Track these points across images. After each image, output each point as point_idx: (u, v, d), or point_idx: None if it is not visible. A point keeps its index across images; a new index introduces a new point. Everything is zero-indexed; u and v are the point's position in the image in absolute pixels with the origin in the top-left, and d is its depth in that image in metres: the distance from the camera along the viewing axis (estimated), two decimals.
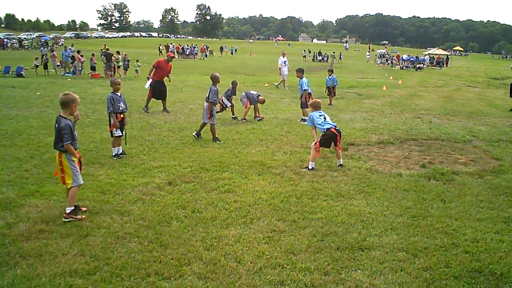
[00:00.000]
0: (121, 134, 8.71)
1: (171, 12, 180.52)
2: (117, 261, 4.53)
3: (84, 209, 5.77)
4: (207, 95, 10.48)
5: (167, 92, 15.17)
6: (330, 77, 17.58)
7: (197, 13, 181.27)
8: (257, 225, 5.53)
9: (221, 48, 74.40)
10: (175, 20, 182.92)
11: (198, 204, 6.23)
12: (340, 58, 59.86)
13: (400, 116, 15.03)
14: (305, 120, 11.48)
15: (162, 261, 4.55)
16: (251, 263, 4.54)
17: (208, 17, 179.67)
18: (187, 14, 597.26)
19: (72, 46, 37.36)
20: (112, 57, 28.69)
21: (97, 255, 4.64)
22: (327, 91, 17.87)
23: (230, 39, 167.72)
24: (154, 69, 14.81)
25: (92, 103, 15.52)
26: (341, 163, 8.40)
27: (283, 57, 24.01)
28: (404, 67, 52.09)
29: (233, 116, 13.62)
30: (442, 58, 63.01)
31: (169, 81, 15.51)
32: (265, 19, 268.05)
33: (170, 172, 7.74)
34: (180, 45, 64.17)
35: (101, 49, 33.42)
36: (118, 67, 29.23)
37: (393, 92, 23.90)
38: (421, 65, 53.29)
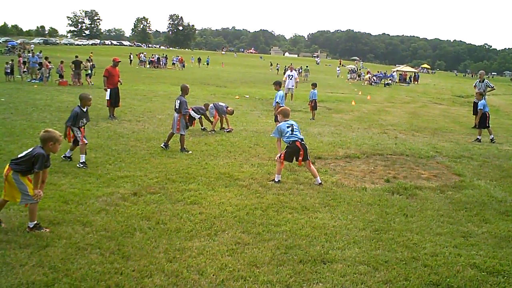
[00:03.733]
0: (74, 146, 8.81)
1: (143, 21, 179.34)
2: (77, 272, 4.44)
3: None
4: (176, 106, 10.47)
5: (120, 99, 15.37)
6: (312, 91, 18.18)
7: (169, 23, 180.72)
8: (221, 237, 5.52)
9: (199, 59, 74.89)
10: (147, 29, 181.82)
11: (163, 215, 6.18)
12: (299, 72, 59.95)
13: (367, 131, 15.30)
14: None
15: (123, 273, 4.48)
16: (213, 275, 4.52)
17: (180, 28, 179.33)
18: (160, 24, 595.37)
19: (40, 53, 36.66)
20: (81, 64, 28.31)
21: (56, 267, 4.53)
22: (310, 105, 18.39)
23: (203, 50, 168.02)
24: (106, 78, 14.98)
25: (58, 111, 15.24)
26: (319, 181, 8.12)
27: (290, 71, 24.37)
28: (373, 83, 53.08)
29: (202, 128, 13.60)
30: (410, 75, 64.67)
31: (121, 84, 15.58)
32: (238, 31, 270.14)
33: (136, 182, 7.66)
34: (154, 55, 63.95)
35: (88, 57, 33.14)
36: (87, 75, 28.81)
37: (362, 107, 24.34)
38: (389, 81, 54.44)
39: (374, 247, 5.43)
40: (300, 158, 8.07)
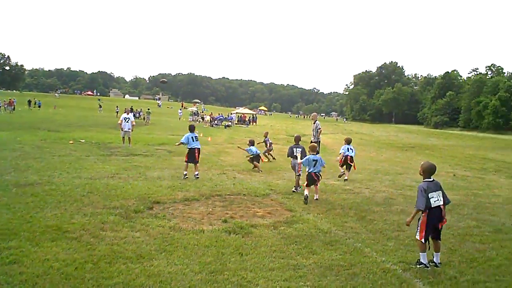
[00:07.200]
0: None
1: None
2: None
3: None
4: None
5: None
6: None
7: None
8: None
9: (29, 102, 69.66)
10: None
11: None
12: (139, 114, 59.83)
13: (207, 173, 15.56)
14: None
15: None
16: None
17: (7, 68, 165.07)
18: None
19: None
20: None
21: None
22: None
23: (33, 91, 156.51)
24: None
25: None
26: (317, 197, 11.51)
27: (127, 114, 23.54)
28: (214, 125, 54.74)
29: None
30: (249, 117, 68.39)
31: None
32: (74, 72, 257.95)
33: None
34: None
35: None
36: None
37: (203, 149, 24.70)
38: (229, 123, 56.75)
39: None
40: (316, 184, 11.62)
